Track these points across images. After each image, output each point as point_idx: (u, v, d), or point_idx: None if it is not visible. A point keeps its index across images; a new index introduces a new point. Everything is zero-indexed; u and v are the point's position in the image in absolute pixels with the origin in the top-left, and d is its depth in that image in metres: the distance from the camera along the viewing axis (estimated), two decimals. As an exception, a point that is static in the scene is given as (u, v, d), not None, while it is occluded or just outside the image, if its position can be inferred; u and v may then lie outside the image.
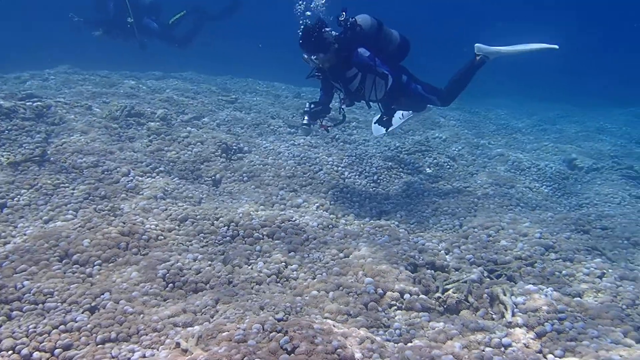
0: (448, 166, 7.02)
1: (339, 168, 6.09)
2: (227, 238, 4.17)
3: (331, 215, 5.00)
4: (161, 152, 5.92)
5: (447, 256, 4.28)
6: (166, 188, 5.05)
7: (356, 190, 5.70)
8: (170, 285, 3.44)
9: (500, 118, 11.84)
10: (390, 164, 6.60)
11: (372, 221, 4.99)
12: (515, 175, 6.80)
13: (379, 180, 6.14)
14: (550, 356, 2.88)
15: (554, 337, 3.05)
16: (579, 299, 3.55)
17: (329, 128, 5.41)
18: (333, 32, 4.87)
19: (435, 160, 7.08)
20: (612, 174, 7.49)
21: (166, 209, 4.53)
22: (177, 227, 4.27)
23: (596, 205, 6.22)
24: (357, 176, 6.07)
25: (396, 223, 5.08)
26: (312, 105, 5.21)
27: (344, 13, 4.89)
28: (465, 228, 4.93)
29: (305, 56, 4.82)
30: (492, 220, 4.99)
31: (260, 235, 4.22)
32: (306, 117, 5.22)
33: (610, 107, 15.99)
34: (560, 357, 2.86)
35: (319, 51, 4.74)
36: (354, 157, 6.43)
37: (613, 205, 6.21)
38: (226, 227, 4.29)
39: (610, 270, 3.98)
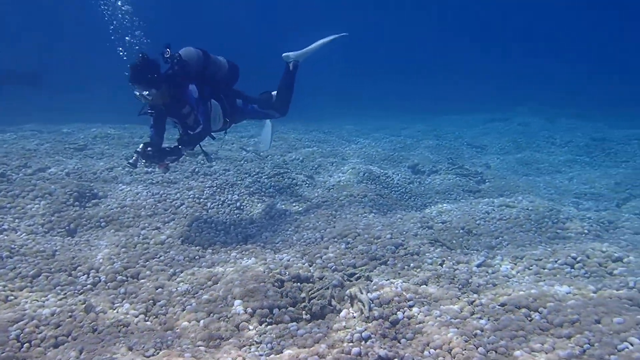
0: (307, 184, 7.42)
1: (201, 200, 6.15)
2: (88, 286, 4.03)
3: (197, 247, 5.05)
4: (3, 210, 5.49)
5: (310, 268, 4.57)
6: (12, 246, 4.71)
7: (220, 219, 5.81)
8: (27, 344, 3.25)
9: (351, 134, 12.73)
10: (251, 189, 6.81)
11: (238, 246, 5.13)
12: (367, 185, 7.41)
13: (242, 207, 6.31)
14: (403, 340, 3.26)
15: (406, 323, 3.45)
16: (424, 286, 4.03)
17: (168, 165, 5.16)
18: (164, 68, 4.91)
19: (294, 180, 7.44)
20: (449, 173, 8.48)
21: (15, 268, 4.24)
22: (29, 284, 4.02)
23: (437, 202, 7.02)
24: (219, 205, 6.18)
25: (262, 244, 5.28)
26: (148, 148, 4.92)
27: (168, 49, 4.89)
28: (326, 239, 5.29)
29: (137, 93, 4.75)
30: (349, 229, 5.42)
31: (124, 278, 4.14)
32: (134, 157, 4.96)
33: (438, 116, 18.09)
34: (410, 339, 3.25)
35: (151, 87, 4.71)
36: (215, 188, 6.53)
37: (450, 200, 7.06)
38: (86, 275, 4.14)
39: (448, 257, 4.57)
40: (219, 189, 6.54)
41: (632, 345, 2.86)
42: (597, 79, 26.04)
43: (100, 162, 7.61)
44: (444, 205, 6.71)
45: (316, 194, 7.06)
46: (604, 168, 9.88)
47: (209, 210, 6.03)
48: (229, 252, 4.94)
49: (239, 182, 7.04)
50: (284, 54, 6.02)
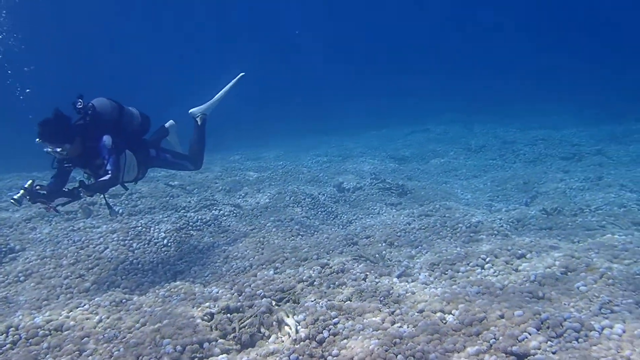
0: (234, 214, 7.48)
1: (126, 241, 6.07)
2: (7, 345, 3.89)
3: (124, 290, 4.99)
4: None
5: (240, 297, 4.64)
6: None
7: (147, 259, 5.76)
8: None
9: (268, 161, 12.96)
10: (178, 224, 6.79)
11: (167, 284, 5.11)
12: (294, 208, 7.59)
13: (169, 244, 6.28)
14: (329, 357, 3.41)
15: (331, 341, 3.61)
16: (349, 302, 4.22)
17: (57, 208, 4.82)
18: (77, 120, 4.80)
19: (221, 211, 7.49)
20: (372, 189, 8.82)
21: None
22: (-57, 351, 3.83)
23: (361, 218, 7.30)
24: (146, 245, 6.12)
25: (191, 279, 5.29)
26: (37, 187, 4.63)
27: (80, 100, 4.81)
28: (254, 267, 5.38)
29: (49, 149, 4.59)
30: (277, 254, 5.55)
31: (47, 332, 4.03)
32: (20, 193, 4.60)
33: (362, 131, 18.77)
34: (336, 356, 3.40)
35: (64, 142, 4.59)
36: (140, 228, 6.46)
37: (374, 215, 7.37)
38: (4, 334, 4.00)
39: (371, 271, 4.80)
40: (144, 228, 6.47)
41: (530, 334, 3.17)
42: (510, 87, 28.04)
43: (17, 214, 7.31)
44: (368, 220, 7.00)
45: (244, 222, 7.14)
46: (514, 169, 10.63)
47: (135, 251, 5.96)
48: (157, 291, 4.91)
49: (165, 219, 7.00)
50: (190, 111, 6.17)
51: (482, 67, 36.27)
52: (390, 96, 31.08)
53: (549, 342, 3.04)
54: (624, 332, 3.01)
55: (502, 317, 3.45)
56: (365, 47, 45.98)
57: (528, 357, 2.97)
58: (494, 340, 3.22)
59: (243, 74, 6.24)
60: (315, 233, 6.60)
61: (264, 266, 5.33)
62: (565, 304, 3.57)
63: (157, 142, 5.74)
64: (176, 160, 5.81)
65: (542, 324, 3.25)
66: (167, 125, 5.95)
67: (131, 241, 6.12)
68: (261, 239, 6.25)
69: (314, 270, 4.95)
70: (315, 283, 4.73)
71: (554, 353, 2.94)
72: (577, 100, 20.94)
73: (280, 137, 19.16)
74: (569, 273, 4.18)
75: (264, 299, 4.50)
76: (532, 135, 14.38)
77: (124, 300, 4.69)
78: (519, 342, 3.13)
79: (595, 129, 15.19)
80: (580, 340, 3.00)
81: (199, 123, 6.06)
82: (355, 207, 7.96)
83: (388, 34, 47.72)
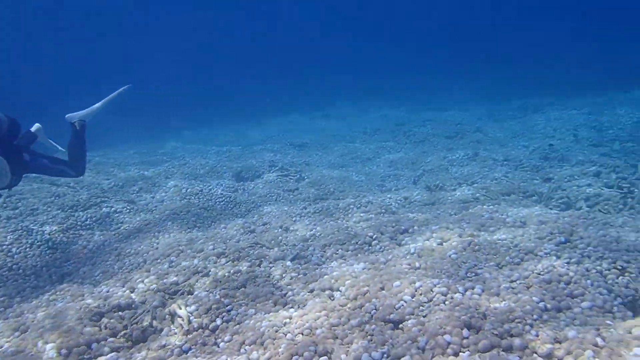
0: (127, 210, 7.24)
1: (4, 246, 5.67)
2: None
3: (2, 298, 4.69)
4: None
5: (132, 294, 4.55)
6: None
7: (29, 264, 5.44)
8: None
9: (163, 155, 12.64)
10: (65, 225, 6.45)
11: (52, 288, 4.87)
12: (190, 200, 7.49)
13: (55, 246, 5.96)
14: (222, 344, 3.48)
15: (224, 328, 3.68)
16: (243, 289, 4.29)
17: None
18: None
19: (113, 208, 7.21)
20: (270, 176, 8.92)
21: None
22: None
23: (260, 206, 7.38)
24: (27, 249, 5.76)
25: (80, 280, 5.09)
26: None
27: None
28: (148, 262, 5.28)
29: None
30: (172, 247, 5.48)
31: None
32: None
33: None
34: (229, 341, 3.48)
35: None
36: (20, 231, 6.06)
37: (271, 202, 7.47)
38: None
39: (266, 257, 4.90)
40: (25, 232, 6.08)
41: (405, 302, 3.44)
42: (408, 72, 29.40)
43: None
44: (266, 208, 7.09)
45: (138, 218, 6.94)
46: (405, 150, 11.22)
47: (15, 256, 5.58)
48: (40, 296, 4.68)
49: (49, 220, 6.61)
50: (67, 115, 5.95)
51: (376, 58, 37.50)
52: (290, 83, 31.27)
53: (420, 307, 3.33)
54: (482, 291, 3.38)
55: (382, 289, 3.71)
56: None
57: (403, 323, 3.24)
58: (375, 311, 3.46)
59: (130, 85, 6.15)
60: (213, 224, 6.59)
61: (158, 261, 5.24)
62: (437, 272, 3.90)
63: (27, 147, 5.40)
64: (54, 165, 5.53)
65: (416, 291, 3.54)
66: (33, 129, 5.58)
67: (10, 246, 5.72)
68: (156, 233, 6.13)
69: (209, 261, 4.97)
70: (210, 273, 4.75)
71: (424, 317, 3.22)
72: (467, 85, 22.51)
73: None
74: (443, 244, 4.57)
75: (157, 293, 4.45)
76: (422, 116, 15.24)
77: (1, 309, 4.43)
78: (396, 310, 3.40)
79: (479, 108, 16.46)
80: (446, 302, 3.32)
81: (77, 128, 5.84)
82: (254, 195, 8.01)
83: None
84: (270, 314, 3.74)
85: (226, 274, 4.68)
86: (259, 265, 4.77)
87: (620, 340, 2.71)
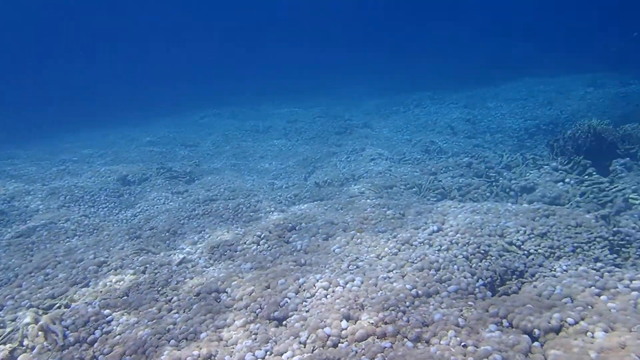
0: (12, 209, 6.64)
1: None
2: None
3: None
4: None
5: (1, 312, 4.20)
6: None
7: None
8: None
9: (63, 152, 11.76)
10: None
11: None
12: (70, 207, 7.03)
13: None
14: (100, 356, 3.34)
15: (104, 339, 3.53)
16: (125, 297, 4.14)
17: None
18: None
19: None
20: (158, 178, 8.62)
21: None
22: None
23: (146, 210, 7.11)
24: None
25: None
26: None
27: None
28: (20, 276, 4.89)
29: None
30: (48, 259, 5.12)
31: None
32: None
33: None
34: (108, 354, 3.35)
35: None
36: None
37: (159, 206, 7.24)
38: None
39: (152, 263, 4.75)
40: None
41: (289, 299, 3.53)
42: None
43: None
44: (152, 212, 6.86)
45: (10, 230, 6.39)
46: (296, 147, 11.39)
47: None
48: None
49: None
50: None
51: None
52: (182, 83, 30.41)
53: (304, 303, 3.44)
54: (362, 283, 3.57)
55: (268, 287, 3.77)
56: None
57: (287, 319, 3.32)
58: (259, 310, 3.51)
59: None
60: (95, 231, 6.24)
61: (31, 274, 4.88)
62: (322, 267, 4.04)
63: None
64: None
65: (299, 287, 3.65)
66: None
67: None
68: (31, 245, 5.69)
69: (89, 271, 4.72)
70: (90, 283, 4.52)
71: (307, 312, 3.34)
72: (366, 80, 23.40)
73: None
74: (329, 239, 4.73)
75: (29, 310, 4.15)
76: (312, 113, 15.55)
77: None
78: (281, 307, 3.48)
79: (369, 102, 17.16)
80: (328, 296, 3.46)
81: None
82: (141, 198, 7.70)
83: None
84: (154, 321, 3.65)
85: (107, 284, 4.49)
86: (144, 272, 4.62)
87: (478, 318, 3.01)
